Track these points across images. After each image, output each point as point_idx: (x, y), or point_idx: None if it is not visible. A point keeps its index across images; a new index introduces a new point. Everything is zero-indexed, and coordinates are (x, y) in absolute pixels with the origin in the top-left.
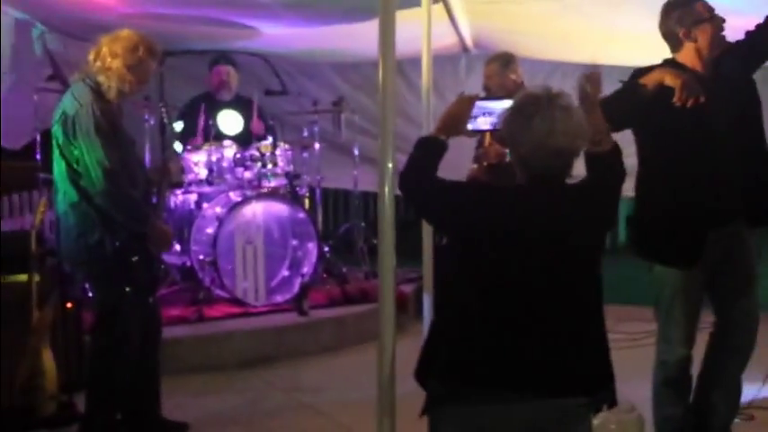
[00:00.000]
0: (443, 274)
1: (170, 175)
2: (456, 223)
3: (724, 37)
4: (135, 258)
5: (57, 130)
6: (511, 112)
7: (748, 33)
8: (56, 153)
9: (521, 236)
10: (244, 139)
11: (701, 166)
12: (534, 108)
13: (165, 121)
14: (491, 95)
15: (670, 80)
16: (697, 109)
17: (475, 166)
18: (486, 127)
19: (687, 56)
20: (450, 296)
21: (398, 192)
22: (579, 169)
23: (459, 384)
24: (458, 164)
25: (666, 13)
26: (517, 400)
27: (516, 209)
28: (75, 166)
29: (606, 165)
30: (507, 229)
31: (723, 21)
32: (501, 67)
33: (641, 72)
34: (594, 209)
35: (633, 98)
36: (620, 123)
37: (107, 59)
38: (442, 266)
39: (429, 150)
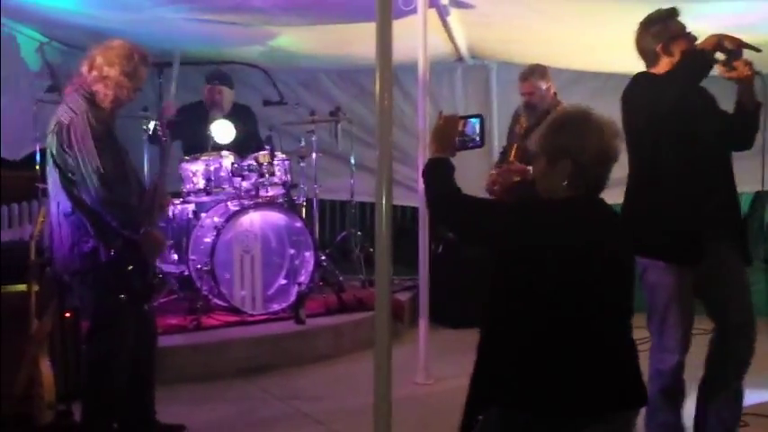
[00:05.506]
0: (497, 294)
1: (163, 199)
2: (517, 240)
3: None
4: (130, 267)
5: (51, 140)
6: (559, 122)
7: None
8: (50, 163)
9: (588, 252)
10: (237, 148)
11: (700, 174)
12: (583, 115)
13: (160, 133)
14: (536, 111)
15: (729, 43)
16: (692, 118)
17: (494, 172)
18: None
19: (663, 70)
20: (514, 321)
21: (398, 202)
22: None
23: (561, 414)
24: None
25: (645, 28)
26: (601, 420)
27: (580, 225)
28: (69, 175)
29: None
30: (575, 246)
31: (695, 39)
32: (541, 80)
33: (640, 77)
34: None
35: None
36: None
37: (103, 68)
38: (496, 286)
39: (446, 171)
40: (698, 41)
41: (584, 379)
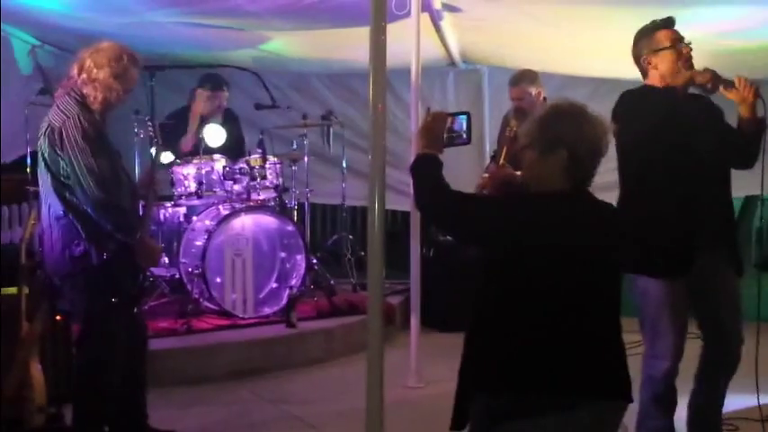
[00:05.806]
0: (485, 288)
1: (156, 186)
2: (506, 237)
3: (691, 66)
4: (121, 270)
5: (43, 143)
6: (555, 113)
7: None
8: (41, 166)
9: (579, 245)
10: (229, 152)
11: (692, 187)
12: (579, 107)
13: (154, 138)
14: (525, 115)
15: (701, 78)
16: (685, 133)
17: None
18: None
19: (653, 81)
20: (501, 311)
21: (390, 206)
22: None
23: (530, 396)
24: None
25: (636, 39)
26: (581, 404)
27: (571, 218)
28: (62, 178)
29: None
30: (566, 239)
31: (685, 51)
32: (531, 86)
33: (633, 92)
34: (620, 226)
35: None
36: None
37: (93, 71)
38: (484, 281)
39: (435, 167)
40: (692, 50)
41: (568, 363)
